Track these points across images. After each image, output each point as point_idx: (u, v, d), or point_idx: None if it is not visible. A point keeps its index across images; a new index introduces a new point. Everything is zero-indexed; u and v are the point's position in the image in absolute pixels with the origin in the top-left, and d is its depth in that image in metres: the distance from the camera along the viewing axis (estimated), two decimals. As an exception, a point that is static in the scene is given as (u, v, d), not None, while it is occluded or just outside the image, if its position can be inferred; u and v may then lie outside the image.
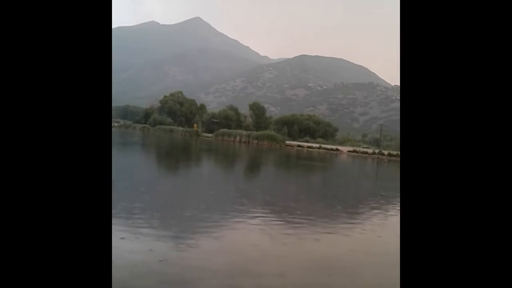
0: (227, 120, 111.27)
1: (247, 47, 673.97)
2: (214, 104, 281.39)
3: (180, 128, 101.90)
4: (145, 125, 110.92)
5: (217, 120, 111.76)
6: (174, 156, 32.11)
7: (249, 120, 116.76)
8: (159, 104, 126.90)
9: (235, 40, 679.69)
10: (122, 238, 6.48)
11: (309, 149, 69.07)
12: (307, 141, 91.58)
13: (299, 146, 74.36)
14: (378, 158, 62.74)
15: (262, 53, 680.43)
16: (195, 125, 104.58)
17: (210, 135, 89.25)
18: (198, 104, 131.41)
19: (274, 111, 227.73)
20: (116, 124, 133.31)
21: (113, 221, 7.70)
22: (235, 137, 78.41)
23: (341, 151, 69.95)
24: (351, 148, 78.12)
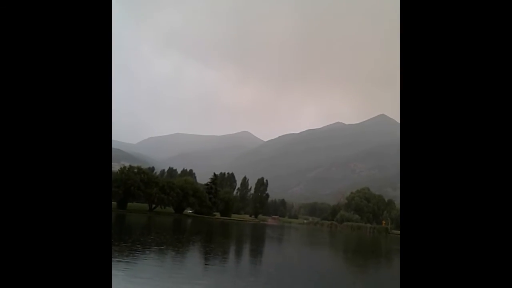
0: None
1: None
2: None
3: (368, 225, 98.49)
4: (333, 221, 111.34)
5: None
6: (362, 256, 30.88)
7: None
8: (346, 201, 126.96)
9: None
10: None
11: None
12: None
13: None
14: None
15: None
16: (383, 222, 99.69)
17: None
18: (386, 200, 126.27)
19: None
20: (305, 221, 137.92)
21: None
22: (430, 236, 71.08)
23: None
24: None
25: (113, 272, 11.06)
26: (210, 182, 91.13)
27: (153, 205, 75.53)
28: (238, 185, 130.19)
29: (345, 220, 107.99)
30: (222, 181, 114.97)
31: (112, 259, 13.63)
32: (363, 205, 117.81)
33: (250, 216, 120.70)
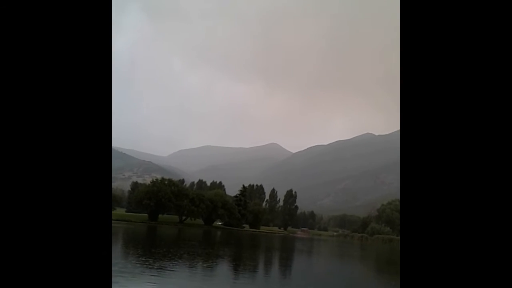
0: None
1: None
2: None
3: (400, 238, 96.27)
4: (363, 234, 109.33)
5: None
6: (394, 271, 30.33)
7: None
8: (377, 213, 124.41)
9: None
10: None
11: None
12: None
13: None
14: None
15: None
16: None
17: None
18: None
19: None
20: (335, 233, 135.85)
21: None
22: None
23: None
24: None
25: (144, 284, 11.50)
26: (239, 194, 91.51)
27: (184, 217, 76.60)
28: (267, 197, 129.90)
29: (376, 233, 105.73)
30: (251, 193, 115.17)
31: (143, 271, 14.13)
32: (395, 217, 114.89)
33: (279, 228, 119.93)
